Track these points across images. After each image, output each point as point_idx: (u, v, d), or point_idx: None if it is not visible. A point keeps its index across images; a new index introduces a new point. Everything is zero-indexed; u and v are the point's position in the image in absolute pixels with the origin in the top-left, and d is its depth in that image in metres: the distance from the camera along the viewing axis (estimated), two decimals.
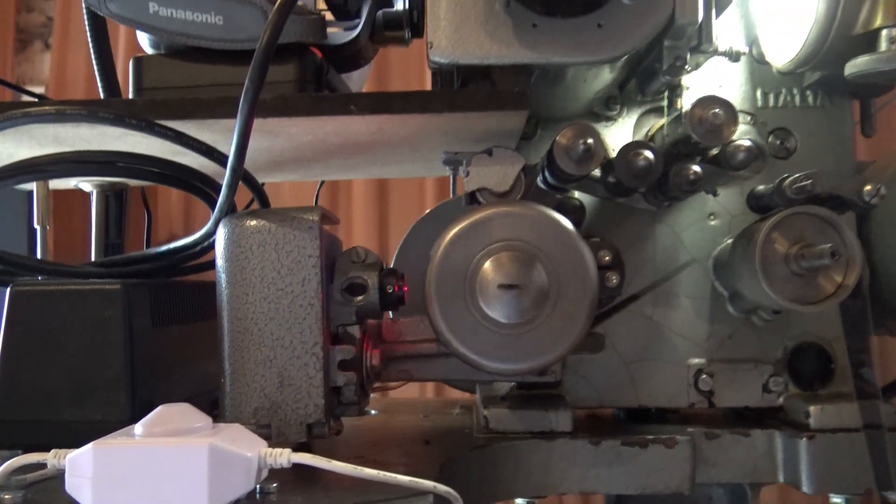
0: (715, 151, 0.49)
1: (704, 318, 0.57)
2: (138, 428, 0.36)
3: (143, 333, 0.50)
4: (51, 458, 0.36)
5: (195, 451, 0.33)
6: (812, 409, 0.53)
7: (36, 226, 0.61)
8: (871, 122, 0.58)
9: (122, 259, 0.55)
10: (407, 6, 0.49)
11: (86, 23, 0.54)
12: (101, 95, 0.57)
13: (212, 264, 0.57)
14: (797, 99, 0.57)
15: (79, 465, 0.34)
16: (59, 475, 0.36)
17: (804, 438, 0.52)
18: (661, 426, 0.56)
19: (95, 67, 0.54)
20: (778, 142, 0.57)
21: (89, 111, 0.41)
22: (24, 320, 0.49)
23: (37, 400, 0.48)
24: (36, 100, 0.64)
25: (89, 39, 0.54)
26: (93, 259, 0.64)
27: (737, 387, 0.56)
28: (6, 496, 0.37)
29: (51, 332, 0.49)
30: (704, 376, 0.56)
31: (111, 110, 0.42)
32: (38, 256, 0.60)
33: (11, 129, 0.42)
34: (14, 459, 0.37)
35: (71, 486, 0.34)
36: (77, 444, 0.37)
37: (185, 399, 0.42)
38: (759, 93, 0.57)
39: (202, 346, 0.60)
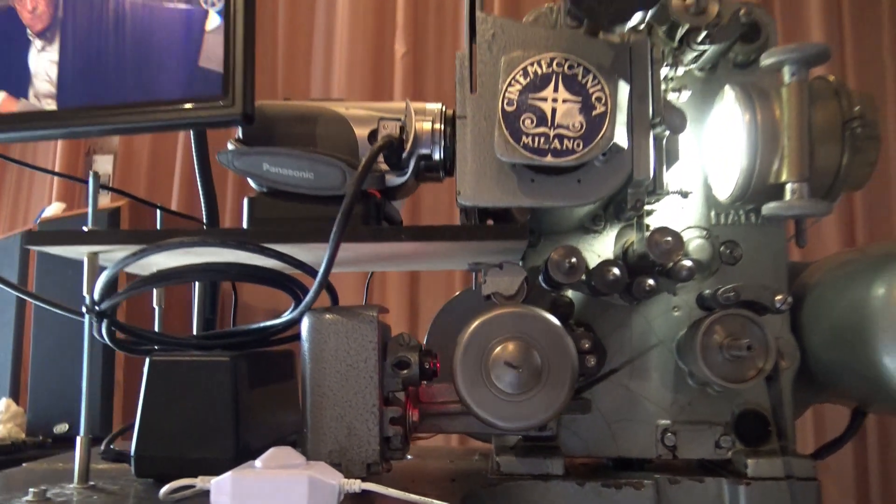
0: (670, 265, 0.66)
1: (669, 388, 0.73)
2: (258, 462, 0.53)
3: (243, 393, 0.68)
4: (199, 482, 0.53)
5: (300, 480, 0.51)
6: (750, 461, 0.68)
7: (154, 306, 0.80)
8: (804, 236, 0.74)
9: (225, 333, 0.73)
10: (441, 156, 0.67)
11: (195, 163, 0.73)
12: (205, 218, 0.76)
13: (290, 339, 0.75)
14: (742, 218, 0.74)
15: (221, 487, 0.52)
16: (201, 494, 0.54)
17: (743, 485, 0.67)
18: (637, 472, 0.72)
19: (203, 200, 0.73)
20: (728, 251, 0.74)
21: (223, 240, 0.59)
22: (160, 382, 0.67)
23: (168, 441, 0.65)
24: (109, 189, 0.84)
25: (198, 178, 0.73)
26: (194, 332, 0.82)
27: (695, 443, 0.72)
28: None
29: (178, 391, 0.66)
30: (669, 434, 0.72)
31: (237, 238, 0.60)
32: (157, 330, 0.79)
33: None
34: (173, 483, 0.54)
35: (215, 501, 0.52)
36: (197, 474, 0.54)
37: (269, 443, 0.59)
38: (712, 213, 0.74)
39: (281, 401, 0.77)
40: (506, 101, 0.59)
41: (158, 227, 0.81)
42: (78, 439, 0.65)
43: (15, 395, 1.82)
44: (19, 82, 0.61)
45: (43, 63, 0.61)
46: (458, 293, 0.81)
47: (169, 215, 0.87)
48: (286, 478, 0.51)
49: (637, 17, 0.53)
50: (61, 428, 1.67)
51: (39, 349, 1.74)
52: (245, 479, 0.51)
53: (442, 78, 2.23)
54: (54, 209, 2.02)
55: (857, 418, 0.80)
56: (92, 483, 0.65)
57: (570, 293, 0.72)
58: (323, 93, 2.35)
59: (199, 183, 0.73)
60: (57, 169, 2.28)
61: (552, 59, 0.59)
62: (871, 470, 1.79)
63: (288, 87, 2.32)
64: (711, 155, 0.70)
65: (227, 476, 0.52)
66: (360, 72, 2.24)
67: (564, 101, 0.58)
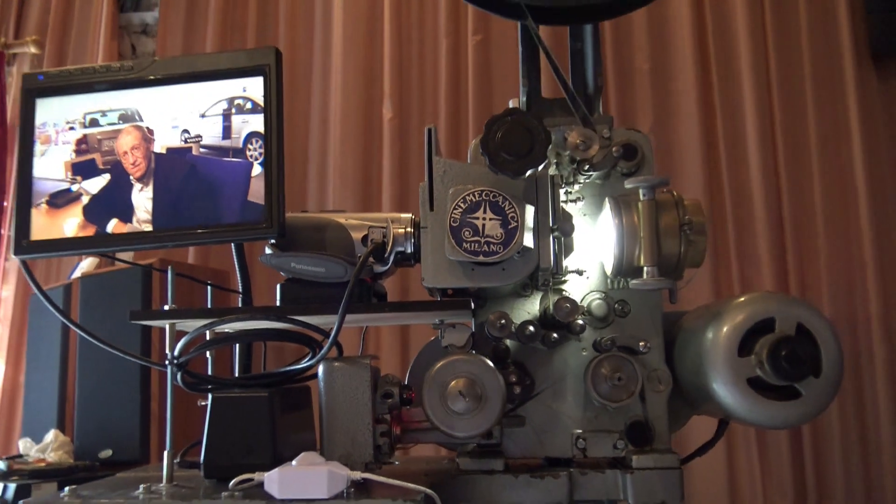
0: (569, 322, 0.96)
1: (580, 406, 1.02)
2: (294, 462, 0.83)
3: (278, 418, 0.97)
4: (256, 476, 0.82)
5: (322, 472, 0.80)
6: (635, 458, 0.97)
7: (207, 356, 1.09)
8: (675, 296, 1.04)
9: (262, 375, 1.03)
10: (412, 251, 0.97)
11: (236, 259, 1.02)
12: (241, 290, 1.06)
13: (308, 378, 1.05)
14: (629, 283, 1.04)
15: (272, 479, 0.81)
16: (257, 485, 0.83)
17: (630, 474, 0.97)
18: (558, 468, 1.01)
19: (240, 281, 1.03)
20: (619, 308, 1.03)
21: (266, 314, 0.89)
22: (219, 412, 0.96)
23: (226, 452, 0.94)
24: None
25: (237, 267, 1.03)
26: (236, 374, 1.11)
27: (598, 446, 1.01)
28: (234, 494, 0.83)
29: (232, 417, 0.95)
30: (580, 439, 1.01)
31: (276, 312, 0.90)
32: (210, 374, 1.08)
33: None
34: (238, 477, 0.83)
35: (268, 487, 0.81)
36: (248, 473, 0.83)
37: (294, 453, 0.88)
38: (608, 279, 1.04)
39: (301, 423, 1.06)
40: (452, 219, 0.89)
41: (209, 298, 1.11)
42: (165, 453, 0.94)
43: (61, 426, 2.10)
44: (126, 212, 0.91)
45: (142, 199, 0.91)
46: (429, 341, 1.11)
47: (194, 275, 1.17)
48: (313, 471, 0.80)
49: (530, 172, 0.83)
50: (105, 453, 1.95)
51: (84, 385, 2.03)
52: (286, 473, 0.80)
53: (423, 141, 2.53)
54: (87, 264, 2.31)
55: (722, 426, 1.09)
56: (175, 483, 0.94)
57: (507, 342, 1.02)
58: (320, 148, 2.65)
59: (237, 270, 1.03)
60: None
61: (482, 191, 0.89)
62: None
63: (289, 142, 2.64)
64: (602, 242, 1.01)
65: (275, 471, 0.81)
66: (353, 133, 2.55)
67: (490, 219, 0.88)
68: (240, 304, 1.07)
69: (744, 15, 2.33)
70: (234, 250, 1.01)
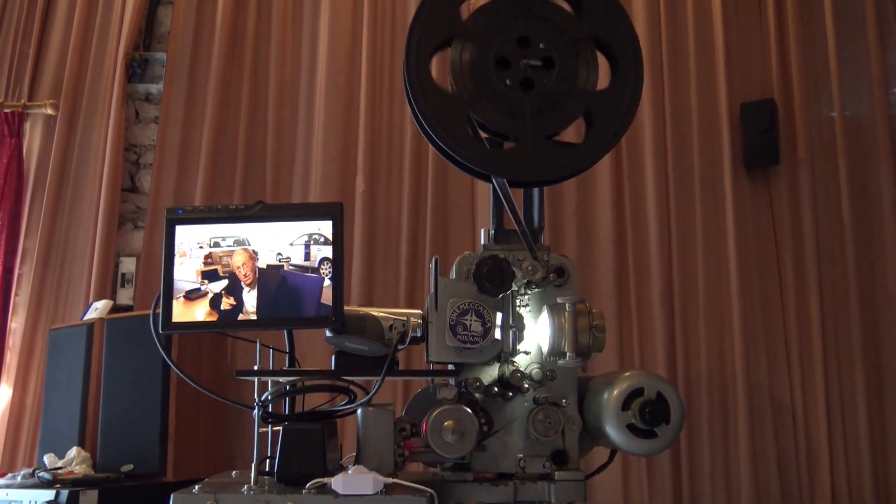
0: (519, 384, 1.50)
1: (523, 439, 1.55)
2: (349, 470, 1.33)
3: (325, 442, 1.47)
4: (325, 480, 1.32)
5: (368, 478, 1.30)
6: (556, 473, 1.51)
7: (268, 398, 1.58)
8: (586, 368, 1.59)
9: (314, 412, 1.52)
10: (421, 335, 1.49)
11: (286, 336, 1.52)
12: (287, 350, 1.56)
13: (344, 416, 1.56)
14: (557, 361, 1.58)
15: (337, 481, 1.30)
16: (325, 486, 1.32)
17: (553, 483, 1.50)
18: (507, 478, 1.54)
19: (287, 348, 1.53)
20: (550, 374, 1.58)
21: (331, 379, 1.40)
22: (288, 438, 1.44)
23: (292, 465, 1.43)
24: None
25: (287, 340, 1.53)
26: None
27: (534, 465, 1.55)
28: (311, 490, 1.32)
29: (296, 442, 1.44)
30: (521, 461, 1.54)
31: (335, 375, 1.41)
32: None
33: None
34: (312, 482, 1.32)
35: (334, 486, 1.30)
36: (308, 481, 1.33)
37: (332, 466, 1.38)
38: (543, 356, 1.58)
39: (333, 446, 1.56)
40: (450, 320, 1.42)
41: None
42: (253, 465, 1.42)
43: (81, 443, 2.50)
44: (240, 307, 1.41)
45: (250, 298, 1.41)
46: (419, 391, 1.63)
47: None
48: (363, 477, 1.31)
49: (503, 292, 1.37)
50: (127, 467, 2.37)
51: (109, 409, 2.45)
52: (347, 477, 1.31)
53: (389, 211, 3.06)
54: (102, 306, 2.72)
55: (612, 454, 1.65)
56: (260, 484, 1.42)
57: (477, 395, 1.55)
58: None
59: (287, 342, 1.53)
60: (95, 268, 2.98)
61: (470, 302, 1.43)
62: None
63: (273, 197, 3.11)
64: (540, 333, 1.55)
65: (339, 476, 1.31)
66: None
67: (475, 320, 1.42)
68: (286, 363, 1.57)
69: (650, 132, 2.96)
70: (286, 334, 1.52)
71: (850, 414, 2.74)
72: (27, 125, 3.22)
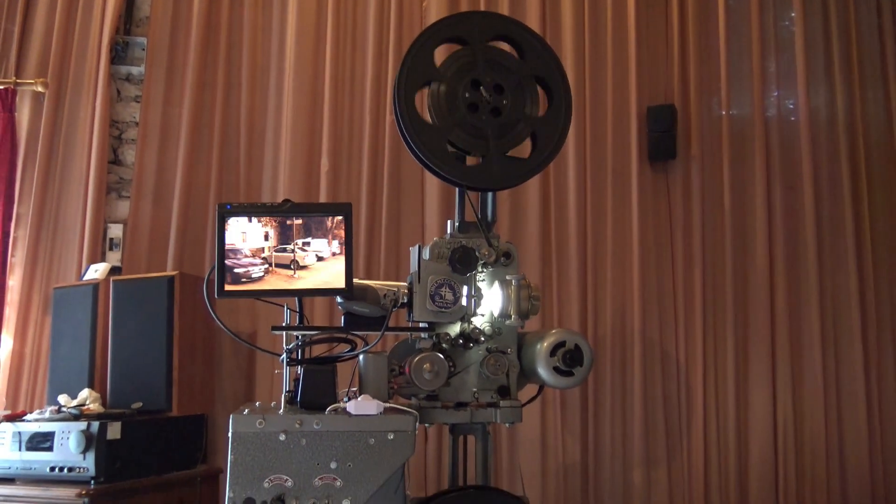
0: (476, 337, 2.06)
1: (477, 377, 2.12)
2: (360, 398, 1.86)
3: (335, 378, 1.99)
4: (342, 404, 1.85)
5: (374, 402, 1.84)
6: (502, 402, 2.08)
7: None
8: (524, 326, 2.16)
9: (326, 357, 2.04)
10: (407, 301, 2.03)
11: (297, 303, 2.03)
12: (298, 311, 2.06)
13: (345, 360, 2.09)
14: (505, 321, 2.15)
15: (350, 405, 1.83)
16: (342, 410, 1.85)
17: (499, 409, 2.08)
18: (465, 406, 2.10)
19: (298, 309, 2.04)
20: (498, 330, 2.14)
21: (344, 333, 1.92)
22: (309, 376, 1.96)
23: (311, 394, 1.94)
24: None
25: (297, 305, 2.04)
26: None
27: (484, 396, 2.12)
28: (327, 414, 1.85)
29: (315, 380, 1.95)
30: (476, 393, 2.11)
31: (343, 331, 1.93)
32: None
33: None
34: (332, 406, 1.85)
35: (349, 409, 1.83)
36: (325, 408, 1.85)
37: (336, 396, 1.91)
38: (493, 318, 2.14)
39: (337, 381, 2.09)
40: (430, 291, 1.96)
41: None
42: (283, 395, 1.93)
43: (91, 384, 2.93)
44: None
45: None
46: (397, 343, 2.17)
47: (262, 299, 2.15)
48: (370, 402, 1.84)
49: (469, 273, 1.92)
50: (137, 404, 2.83)
51: (117, 354, 2.89)
52: (358, 403, 1.84)
53: (350, 188, 3.54)
54: (102, 268, 3.12)
55: (540, 389, 2.25)
56: (290, 409, 1.93)
57: (445, 346, 2.10)
58: (271, 189, 3.59)
59: (298, 306, 2.03)
60: (87, 233, 3.36)
61: (444, 279, 1.97)
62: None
63: (249, 188, 3.55)
64: (492, 301, 2.11)
65: (352, 402, 1.84)
66: (300, 183, 3.50)
67: (447, 291, 1.96)
68: (297, 320, 2.07)
69: (573, 129, 3.53)
70: (297, 302, 2.02)
71: (721, 363, 3.44)
72: (17, 101, 3.51)
